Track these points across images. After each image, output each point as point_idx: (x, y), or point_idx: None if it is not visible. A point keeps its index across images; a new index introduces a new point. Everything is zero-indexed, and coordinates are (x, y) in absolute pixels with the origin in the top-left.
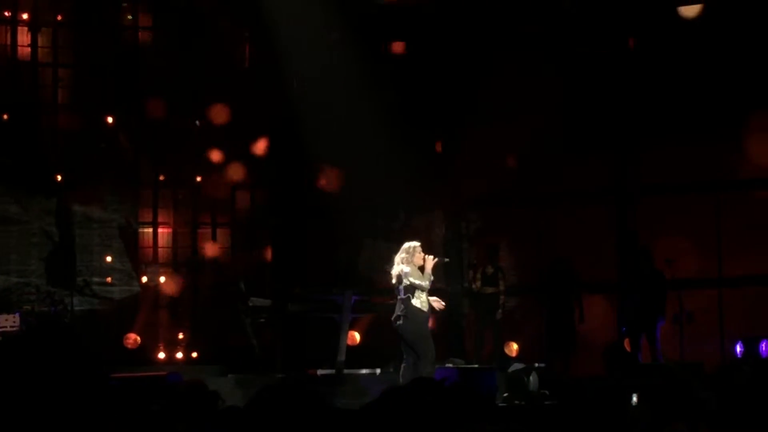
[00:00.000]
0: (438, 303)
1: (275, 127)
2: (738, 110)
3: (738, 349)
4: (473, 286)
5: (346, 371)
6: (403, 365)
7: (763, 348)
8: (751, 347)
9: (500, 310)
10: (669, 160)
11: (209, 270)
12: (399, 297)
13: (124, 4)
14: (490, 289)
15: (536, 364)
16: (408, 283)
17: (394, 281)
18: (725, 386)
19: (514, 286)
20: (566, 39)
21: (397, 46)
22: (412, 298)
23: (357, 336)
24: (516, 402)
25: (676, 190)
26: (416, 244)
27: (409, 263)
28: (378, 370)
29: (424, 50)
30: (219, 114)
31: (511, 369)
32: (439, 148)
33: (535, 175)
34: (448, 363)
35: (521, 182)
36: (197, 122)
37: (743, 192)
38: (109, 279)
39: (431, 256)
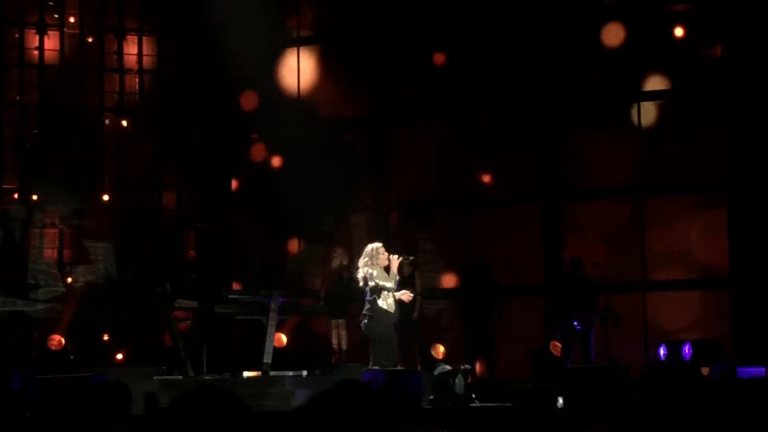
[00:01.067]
0: (406, 295)
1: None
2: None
3: (661, 352)
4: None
5: (272, 373)
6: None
7: (686, 351)
8: (674, 350)
9: (416, 312)
10: (594, 164)
11: (135, 271)
12: (366, 299)
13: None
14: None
15: (462, 367)
16: (374, 284)
17: (360, 284)
18: (650, 389)
19: (439, 288)
20: (495, 41)
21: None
22: (378, 299)
23: (284, 338)
24: (442, 404)
25: (601, 195)
26: (377, 245)
27: (374, 265)
28: (304, 372)
29: (353, 51)
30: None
31: (437, 371)
32: (366, 151)
33: (461, 178)
34: (375, 365)
35: (447, 185)
36: None
37: (666, 197)
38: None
39: (395, 256)
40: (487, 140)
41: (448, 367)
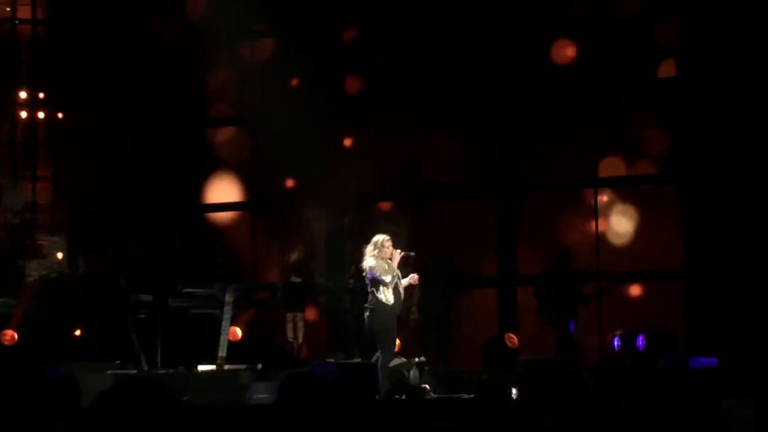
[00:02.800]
0: (412, 279)
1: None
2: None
3: (615, 343)
4: (353, 281)
5: (227, 367)
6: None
7: (640, 342)
8: (628, 342)
9: None
10: (549, 155)
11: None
12: (368, 290)
13: None
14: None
15: (416, 359)
16: (372, 277)
17: (363, 274)
18: (604, 379)
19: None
20: (447, 35)
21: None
22: (377, 292)
23: (239, 331)
24: (397, 396)
25: (558, 186)
26: (384, 237)
27: (378, 257)
28: (260, 366)
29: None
30: None
31: (391, 364)
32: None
33: (419, 169)
34: (330, 358)
35: (405, 177)
36: None
37: (621, 188)
38: None
39: (398, 250)
40: (441, 131)
41: (403, 360)
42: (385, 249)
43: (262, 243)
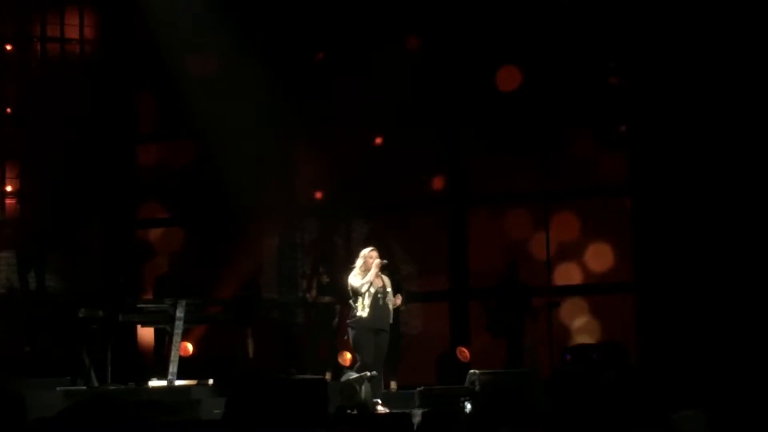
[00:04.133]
0: (396, 299)
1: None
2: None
3: (567, 357)
4: (308, 295)
5: (178, 383)
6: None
7: (592, 355)
8: (579, 355)
9: (336, 320)
10: (499, 169)
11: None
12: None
13: None
14: (326, 299)
15: (368, 374)
16: (350, 289)
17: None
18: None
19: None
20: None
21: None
22: (355, 303)
23: (190, 347)
24: (348, 411)
25: (508, 199)
26: (368, 249)
27: (361, 269)
28: (210, 381)
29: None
30: None
31: (343, 378)
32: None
33: (371, 183)
34: (281, 373)
35: (357, 190)
36: None
37: (571, 202)
38: None
39: (378, 260)
40: (393, 143)
41: (354, 374)
42: (367, 260)
43: (213, 257)
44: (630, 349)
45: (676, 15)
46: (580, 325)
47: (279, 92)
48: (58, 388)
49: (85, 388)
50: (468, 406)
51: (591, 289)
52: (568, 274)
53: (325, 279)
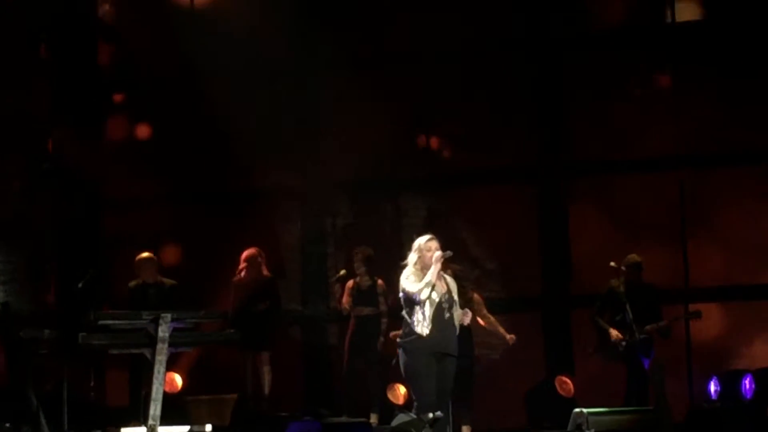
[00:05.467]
0: (465, 316)
1: None
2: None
3: (712, 388)
4: (342, 306)
5: (161, 430)
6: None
7: (746, 385)
8: (730, 385)
9: (381, 339)
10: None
11: None
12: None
13: None
14: (366, 310)
15: (430, 415)
16: (403, 295)
17: (400, 295)
18: None
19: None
20: None
21: None
22: (410, 317)
23: (178, 379)
24: None
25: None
26: (426, 238)
27: (417, 266)
28: (208, 428)
29: None
30: None
31: (395, 422)
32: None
33: (429, 147)
34: (308, 415)
35: (409, 158)
36: None
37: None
38: None
39: (439, 253)
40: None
41: (412, 416)
42: (425, 253)
43: (211, 254)
44: None
45: None
46: (732, 343)
47: (298, 21)
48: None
49: None
50: None
51: (747, 294)
52: (713, 273)
53: (366, 282)
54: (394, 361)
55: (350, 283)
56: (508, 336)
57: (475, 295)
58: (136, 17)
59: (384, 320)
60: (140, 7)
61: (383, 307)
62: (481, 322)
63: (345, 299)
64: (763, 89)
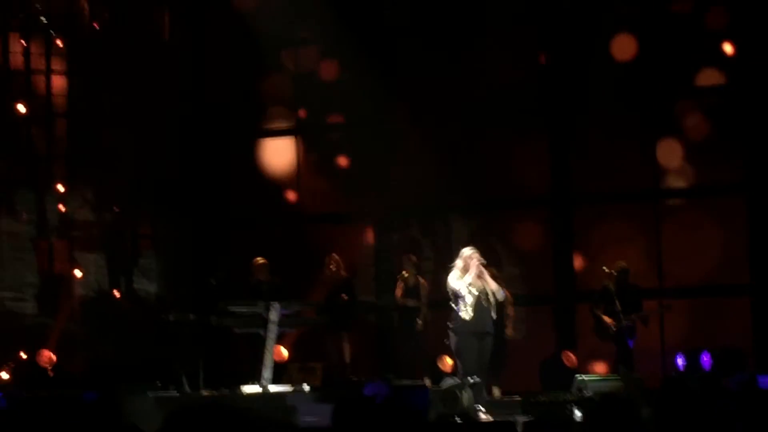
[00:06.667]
0: (499, 292)
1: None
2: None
3: (679, 362)
4: (398, 298)
5: (272, 388)
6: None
7: (705, 360)
8: (692, 360)
9: (420, 322)
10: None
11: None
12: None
13: None
14: (412, 302)
15: (470, 380)
16: (450, 292)
17: (448, 290)
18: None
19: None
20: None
21: None
22: (456, 306)
23: (285, 352)
24: (449, 418)
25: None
26: (468, 250)
27: (461, 270)
28: (306, 387)
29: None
30: None
31: (444, 384)
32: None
33: (471, 182)
34: (379, 379)
35: (457, 190)
36: None
37: (682, 200)
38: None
39: (478, 261)
40: (491, 143)
41: (456, 380)
42: (467, 260)
43: (307, 260)
44: (748, 355)
45: None
46: (693, 329)
47: (378, 89)
48: (149, 394)
49: (177, 394)
50: (577, 414)
51: (705, 292)
52: (680, 276)
53: (412, 281)
54: (446, 339)
55: (401, 281)
56: (509, 331)
57: (506, 291)
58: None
59: (423, 309)
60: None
61: (424, 300)
62: (509, 311)
63: (398, 292)
64: None
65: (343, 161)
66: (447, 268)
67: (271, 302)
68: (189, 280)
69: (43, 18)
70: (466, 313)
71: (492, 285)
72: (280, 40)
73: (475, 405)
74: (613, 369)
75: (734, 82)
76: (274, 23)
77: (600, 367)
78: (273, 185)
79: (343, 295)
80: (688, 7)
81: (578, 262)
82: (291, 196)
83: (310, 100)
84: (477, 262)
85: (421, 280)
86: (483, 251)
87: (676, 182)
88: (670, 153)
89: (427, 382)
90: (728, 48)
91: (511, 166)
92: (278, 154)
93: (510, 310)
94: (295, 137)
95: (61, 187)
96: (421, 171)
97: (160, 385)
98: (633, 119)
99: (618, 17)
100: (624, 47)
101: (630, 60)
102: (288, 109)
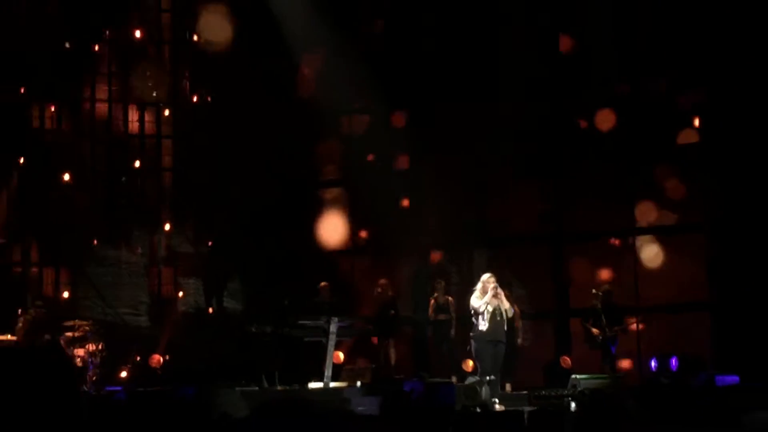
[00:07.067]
0: (512, 309)
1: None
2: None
3: (653, 364)
4: (430, 313)
5: (332, 384)
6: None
7: (673, 363)
8: (663, 363)
9: (452, 331)
10: (594, 211)
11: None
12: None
13: None
14: (442, 316)
15: (487, 378)
16: (472, 309)
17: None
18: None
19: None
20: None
21: None
22: (476, 320)
23: (341, 355)
24: (471, 409)
25: (601, 234)
26: (488, 275)
27: (480, 292)
28: (358, 383)
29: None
30: None
31: (467, 382)
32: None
33: (488, 222)
34: (415, 378)
35: (477, 229)
36: None
37: (654, 236)
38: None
39: (494, 284)
40: (501, 195)
41: (477, 378)
42: (485, 284)
43: (359, 283)
44: (707, 359)
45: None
46: (663, 339)
47: (417, 148)
48: (236, 389)
49: (258, 389)
50: (572, 405)
51: (672, 309)
52: (652, 297)
53: (442, 300)
54: (468, 347)
55: (433, 300)
56: (520, 340)
57: (516, 307)
58: None
59: (452, 322)
60: None
61: (453, 314)
62: (518, 324)
63: (430, 309)
64: None
65: (385, 206)
66: (469, 291)
67: (331, 317)
68: (267, 300)
69: (154, 93)
70: (484, 325)
71: (505, 304)
72: (338, 110)
73: (492, 398)
74: (600, 370)
75: (697, 147)
76: (332, 95)
77: (590, 368)
78: (331, 225)
79: (390, 311)
80: (663, 88)
81: (572, 286)
82: (346, 233)
83: (360, 157)
84: (493, 286)
85: (449, 299)
86: (498, 277)
87: (649, 222)
88: (644, 201)
89: (454, 379)
90: (695, 121)
91: (519, 212)
92: (333, 200)
93: (518, 323)
94: (345, 187)
95: (167, 227)
96: (449, 215)
97: (244, 382)
98: (614, 173)
99: (601, 96)
100: (605, 119)
101: (610, 129)
102: (339, 165)
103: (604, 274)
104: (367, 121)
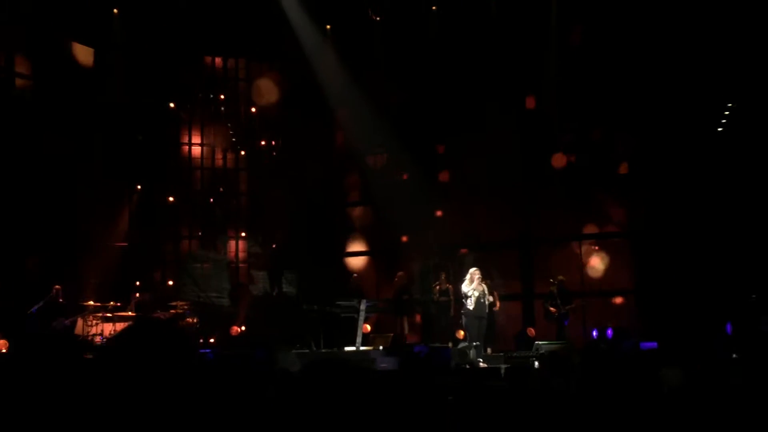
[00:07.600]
0: (491, 296)
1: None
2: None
3: (594, 334)
4: (434, 296)
5: (362, 348)
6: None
7: (609, 333)
8: (602, 333)
9: (450, 310)
10: (553, 221)
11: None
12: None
13: None
14: (443, 298)
15: (474, 343)
16: (462, 293)
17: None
18: (588, 355)
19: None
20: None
21: None
22: (465, 301)
23: (368, 327)
24: (462, 366)
25: (559, 240)
26: (474, 269)
27: (468, 281)
28: (381, 347)
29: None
30: None
31: (459, 346)
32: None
33: (475, 233)
34: (423, 343)
35: (467, 236)
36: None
37: (595, 241)
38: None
39: (479, 276)
40: (486, 208)
41: (466, 344)
42: (473, 275)
43: (381, 275)
44: (632, 330)
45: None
46: (602, 315)
47: (421, 183)
48: (293, 351)
49: (308, 351)
50: (536, 364)
51: (607, 293)
52: (594, 284)
53: (444, 285)
54: (460, 321)
55: (437, 287)
56: (497, 311)
57: (495, 292)
58: None
59: (451, 303)
60: None
61: (451, 297)
62: (497, 306)
63: (435, 294)
64: None
65: (398, 219)
66: (461, 279)
67: (361, 299)
68: (315, 287)
69: (233, 139)
70: (471, 305)
71: (487, 290)
72: (364, 149)
73: (477, 358)
74: (556, 338)
75: (626, 177)
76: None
77: (548, 337)
78: (364, 231)
79: (405, 295)
80: (599, 135)
81: (535, 277)
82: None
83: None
84: (478, 276)
85: (449, 286)
86: (482, 270)
87: (592, 231)
88: (588, 216)
89: (450, 345)
90: (624, 158)
91: (498, 224)
92: (360, 217)
93: (497, 304)
94: (367, 205)
95: (243, 234)
96: (447, 227)
97: (298, 346)
98: (567, 196)
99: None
100: (558, 160)
101: (563, 167)
102: (363, 192)
103: (559, 268)
104: (385, 158)
